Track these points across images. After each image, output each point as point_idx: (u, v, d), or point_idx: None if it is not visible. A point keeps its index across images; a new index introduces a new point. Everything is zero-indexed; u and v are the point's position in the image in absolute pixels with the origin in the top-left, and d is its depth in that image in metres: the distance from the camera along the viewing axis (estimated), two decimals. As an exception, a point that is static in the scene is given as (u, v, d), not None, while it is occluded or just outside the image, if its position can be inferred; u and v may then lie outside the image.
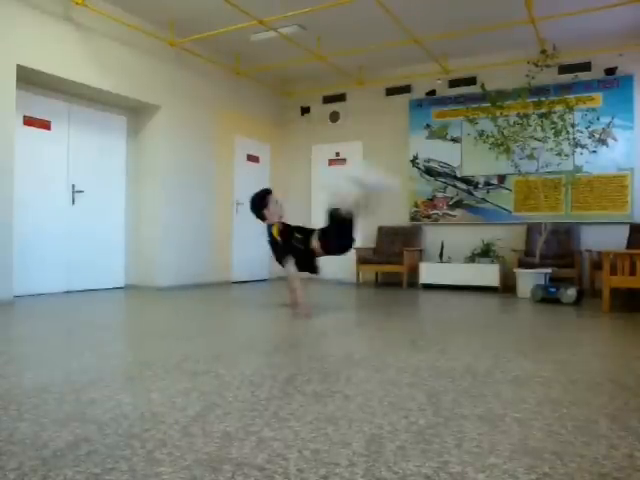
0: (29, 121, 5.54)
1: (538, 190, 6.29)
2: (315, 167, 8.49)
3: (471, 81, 7.31)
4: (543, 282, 5.76)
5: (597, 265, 5.66)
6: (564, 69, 6.70)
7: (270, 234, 4.33)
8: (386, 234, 7.67)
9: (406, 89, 7.79)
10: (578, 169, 6.54)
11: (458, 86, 7.41)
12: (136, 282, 6.63)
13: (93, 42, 5.69)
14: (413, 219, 7.65)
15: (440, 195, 7.49)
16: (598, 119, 6.47)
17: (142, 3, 5.79)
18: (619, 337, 3.46)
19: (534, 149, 6.10)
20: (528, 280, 5.80)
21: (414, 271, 7.12)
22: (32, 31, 5.09)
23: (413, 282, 7.13)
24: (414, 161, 7.66)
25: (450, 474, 1.29)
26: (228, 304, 5.24)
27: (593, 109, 6.51)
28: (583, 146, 6.20)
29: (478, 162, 7.20)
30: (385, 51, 6.94)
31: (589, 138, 6.36)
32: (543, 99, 5.99)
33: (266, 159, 8.42)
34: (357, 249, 7.45)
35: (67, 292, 5.87)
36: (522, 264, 6.18)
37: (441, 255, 7.07)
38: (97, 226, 6.25)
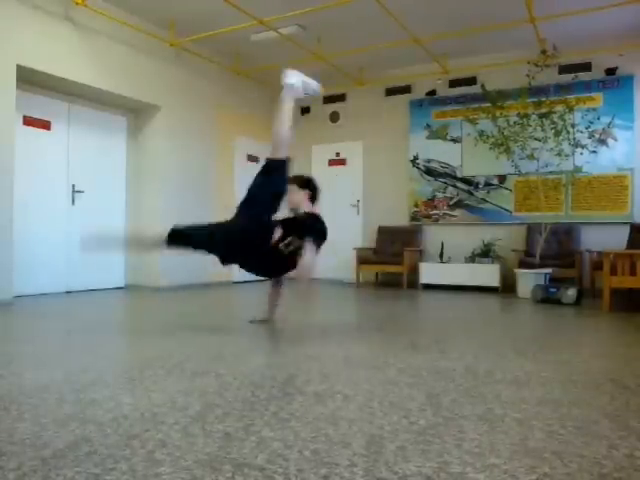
0: (29, 121, 5.54)
1: (538, 190, 6.29)
2: (315, 167, 8.49)
3: (471, 81, 7.30)
4: (543, 282, 5.76)
5: (597, 265, 5.66)
6: (564, 69, 6.70)
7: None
8: (386, 234, 7.67)
9: (406, 89, 7.79)
10: (578, 169, 6.54)
11: (458, 86, 7.40)
12: (136, 282, 6.63)
13: (93, 42, 5.69)
14: (413, 219, 7.65)
15: (440, 195, 7.48)
16: (598, 119, 6.47)
17: (142, 3, 5.79)
18: (619, 337, 3.46)
19: (534, 149, 6.10)
20: (528, 280, 5.80)
21: (414, 271, 7.12)
22: (32, 31, 5.09)
23: (413, 282, 7.12)
24: (414, 161, 7.66)
25: (450, 474, 1.29)
26: (229, 304, 5.24)
27: (593, 109, 6.51)
28: (583, 146, 6.19)
29: (478, 162, 7.20)
30: (385, 51, 6.94)
31: (589, 138, 6.36)
32: (543, 99, 5.99)
33: (266, 159, 8.41)
34: (357, 249, 7.47)
35: (67, 292, 5.87)
36: (522, 264, 6.18)
37: (441, 255, 7.06)
38: (97, 226, 6.24)
